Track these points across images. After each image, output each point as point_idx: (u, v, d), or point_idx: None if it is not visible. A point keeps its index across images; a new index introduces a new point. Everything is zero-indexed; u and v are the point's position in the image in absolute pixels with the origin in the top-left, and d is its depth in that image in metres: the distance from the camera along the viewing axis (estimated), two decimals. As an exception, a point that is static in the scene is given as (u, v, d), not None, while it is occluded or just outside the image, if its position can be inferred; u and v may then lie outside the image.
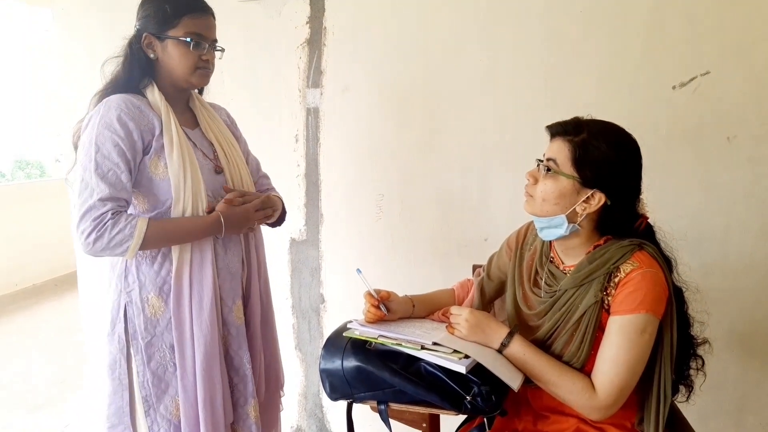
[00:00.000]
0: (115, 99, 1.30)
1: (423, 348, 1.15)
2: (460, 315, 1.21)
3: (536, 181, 1.17)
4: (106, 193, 1.25)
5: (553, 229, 1.16)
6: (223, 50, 1.44)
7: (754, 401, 1.74)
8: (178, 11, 1.32)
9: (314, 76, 2.06)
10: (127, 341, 1.37)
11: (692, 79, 1.62)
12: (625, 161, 1.11)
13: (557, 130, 1.15)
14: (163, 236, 1.31)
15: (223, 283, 1.43)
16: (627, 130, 1.14)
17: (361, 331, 1.24)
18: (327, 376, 1.26)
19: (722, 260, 1.68)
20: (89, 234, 1.24)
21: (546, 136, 1.19)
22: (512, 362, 1.17)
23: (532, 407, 1.26)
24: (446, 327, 1.25)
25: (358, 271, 1.29)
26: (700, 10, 1.58)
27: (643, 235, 1.16)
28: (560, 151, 1.13)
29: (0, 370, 3.39)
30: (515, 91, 1.81)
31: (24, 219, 5.09)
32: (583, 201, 1.11)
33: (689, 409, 1.36)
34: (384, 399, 1.22)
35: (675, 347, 1.11)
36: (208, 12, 1.38)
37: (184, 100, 1.49)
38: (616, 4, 1.65)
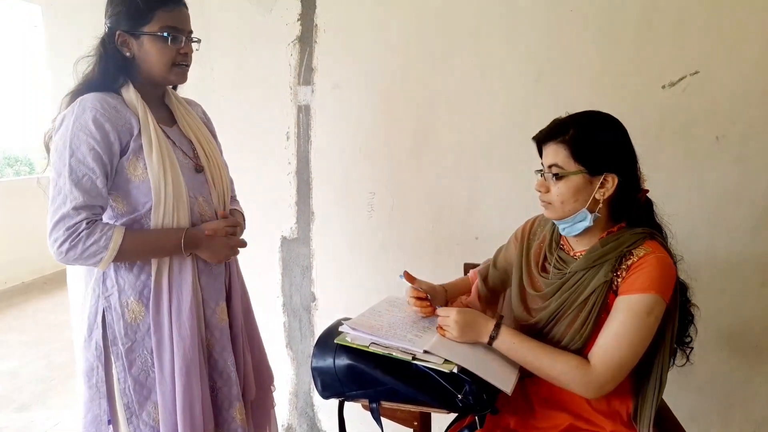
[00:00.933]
0: (90, 99, 1.24)
1: (414, 359, 1.16)
2: (448, 317, 1.22)
3: (547, 189, 1.20)
4: (80, 201, 1.21)
5: (578, 224, 1.19)
6: (199, 41, 1.37)
7: (741, 399, 1.76)
8: (150, 5, 1.25)
9: (305, 73, 2.05)
10: (105, 347, 1.32)
11: (681, 79, 1.63)
12: (615, 135, 1.16)
13: (545, 136, 1.19)
14: (137, 247, 1.27)
15: (205, 285, 1.40)
16: None
17: (352, 336, 1.24)
18: (319, 374, 1.27)
19: (710, 259, 1.69)
20: (62, 243, 1.21)
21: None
22: (504, 353, 1.18)
23: (523, 405, 1.27)
24: (436, 329, 1.25)
25: (403, 274, 1.35)
26: (690, 10, 1.59)
27: (644, 209, 1.21)
28: (557, 154, 1.16)
29: (-12, 368, 3.36)
30: (506, 90, 1.81)
31: (12, 216, 5.04)
32: (599, 187, 1.15)
33: (678, 408, 1.38)
34: (376, 397, 1.22)
35: (675, 337, 1.15)
36: (181, 2, 1.32)
37: (160, 97, 1.42)
38: (606, 3, 1.66)
